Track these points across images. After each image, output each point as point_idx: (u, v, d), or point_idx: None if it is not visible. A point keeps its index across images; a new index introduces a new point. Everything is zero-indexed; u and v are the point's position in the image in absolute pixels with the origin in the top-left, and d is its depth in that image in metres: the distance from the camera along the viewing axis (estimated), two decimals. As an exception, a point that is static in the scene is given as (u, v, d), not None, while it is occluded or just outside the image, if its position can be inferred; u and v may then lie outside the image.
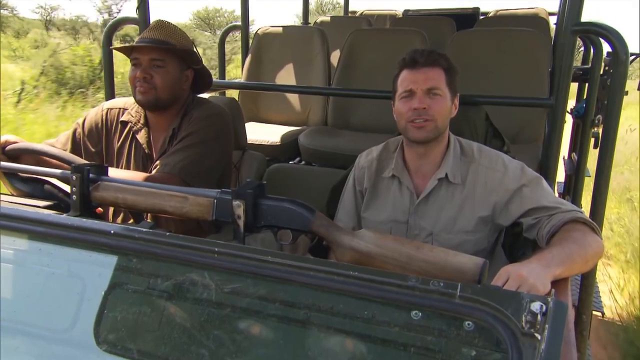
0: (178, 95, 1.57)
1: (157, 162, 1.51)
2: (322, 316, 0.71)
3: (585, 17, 1.53)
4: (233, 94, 3.20)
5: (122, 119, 1.63)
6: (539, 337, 0.57)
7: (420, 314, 0.67)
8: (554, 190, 1.59)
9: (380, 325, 0.68)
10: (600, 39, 1.84)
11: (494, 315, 0.60)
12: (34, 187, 1.24)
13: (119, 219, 1.59)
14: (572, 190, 2.38)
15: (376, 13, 4.92)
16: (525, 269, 0.94)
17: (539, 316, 0.58)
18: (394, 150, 1.47)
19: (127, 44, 1.54)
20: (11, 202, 0.99)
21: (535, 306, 0.59)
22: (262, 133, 2.66)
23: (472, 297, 0.63)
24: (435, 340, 0.66)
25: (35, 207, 0.99)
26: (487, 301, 0.62)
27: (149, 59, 1.50)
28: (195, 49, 1.62)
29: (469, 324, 0.64)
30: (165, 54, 1.51)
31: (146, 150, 1.60)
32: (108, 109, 1.66)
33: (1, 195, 1.09)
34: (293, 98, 2.92)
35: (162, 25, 1.54)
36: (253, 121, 2.98)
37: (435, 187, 1.37)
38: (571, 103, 2.95)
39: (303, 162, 2.60)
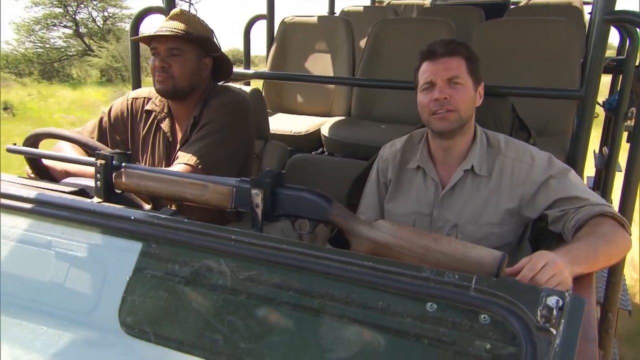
0: (197, 84, 1.58)
1: (178, 153, 1.53)
2: (336, 305, 0.71)
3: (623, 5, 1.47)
4: (258, 84, 3.20)
5: (146, 108, 1.66)
6: (554, 332, 0.56)
7: (435, 305, 0.67)
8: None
9: (394, 315, 0.68)
10: (638, 29, 1.78)
11: (509, 309, 0.59)
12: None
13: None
14: (602, 185, 2.31)
15: (403, 3, 4.85)
16: (561, 260, 0.93)
17: (554, 311, 0.57)
18: (418, 141, 1.45)
19: (146, 34, 1.57)
20: (37, 187, 1.02)
21: (552, 300, 0.57)
22: (286, 123, 2.67)
23: (488, 290, 0.63)
24: (450, 332, 0.65)
25: (60, 192, 1.02)
26: (502, 294, 0.61)
27: (166, 48, 1.52)
28: (215, 37, 1.63)
29: (484, 317, 0.64)
30: (182, 43, 1.53)
31: (170, 139, 1.63)
32: (133, 98, 1.69)
33: (27, 180, 1.12)
34: (317, 88, 2.92)
35: (179, 14, 1.56)
36: (277, 111, 2.98)
37: (461, 179, 1.35)
38: (605, 96, 2.86)
39: (326, 153, 2.60)
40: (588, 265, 1.00)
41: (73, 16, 14.57)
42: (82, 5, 14.84)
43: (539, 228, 1.40)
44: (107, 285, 0.82)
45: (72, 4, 14.68)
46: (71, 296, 0.83)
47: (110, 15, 15.83)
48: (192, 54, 1.55)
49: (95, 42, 14.64)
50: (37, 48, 14.27)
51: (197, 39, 1.54)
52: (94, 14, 14.94)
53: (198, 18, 1.59)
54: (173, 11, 1.58)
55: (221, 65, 1.66)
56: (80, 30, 14.85)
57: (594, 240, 1.07)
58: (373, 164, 1.56)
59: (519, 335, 0.58)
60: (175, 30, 1.51)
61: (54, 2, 14.50)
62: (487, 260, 0.82)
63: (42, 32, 14.56)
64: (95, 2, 15.23)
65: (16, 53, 13.94)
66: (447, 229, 1.37)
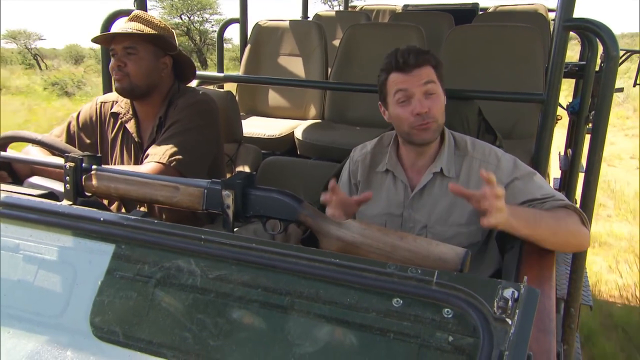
0: (155, 82, 1.59)
1: (148, 151, 1.53)
2: (304, 302, 0.72)
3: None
4: (232, 87, 3.20)
5: (112, 110, 1.67)
6: (510, 322, 0.59)
7: (401, 301, 0.69)
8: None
9: (360, 311, 0.70)
10: (593, 36, 1.85)
11: (468, 301, 0.62)
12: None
13: (113, 208, 1.61)
14: (566, 185, 2.39)
15: (376, 8, 4.92)
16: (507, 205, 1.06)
17: (510, 301, 0.59)
18: (387, 144, 1.48)
19: (101, 34, 1.59)
20: (5, 191, 1.01)
21: (508, 292, 0.60)
22: (260, 126, 2.68)
23: (448, 284, 0.65)
24: (415, 326, 0.67)
25: (29, 195, 1.01)
26: (462, 287, 0.64)
27: (122, 47, 1.54)
28: (174, 37, 1.64)
29: (447, 311, 0.66)
30: (137, 41, 1.54)
31: (136, 139, 1.63)
32: (102, 102, 1.70)
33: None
34: (291, 92, 2.94)
35: (137, 15, 1.57)
36: (251, 114, 2.99)
37: (430, 181, 1.38)
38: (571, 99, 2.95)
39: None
40: (527, 224, 1.09)
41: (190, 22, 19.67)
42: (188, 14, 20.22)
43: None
44: (77, 287, 0.82)
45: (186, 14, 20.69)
46: (39, 299, 0.83)
47: (205, 19, 21.35)
48: (148, 52, 1.56)
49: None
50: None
51: (150, 36, 1.55)
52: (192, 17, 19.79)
53: (156, 19, 1.60)
54: (133, 13, 1.59)
55: (183, 65, 1.67)
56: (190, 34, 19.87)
57: (544, 213, 1.16)
58: (344, 166, 1.58)
59: (477, 326, 0.61)
60: (130, 30, 1.52)
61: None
62: (451, 256, 0.85)
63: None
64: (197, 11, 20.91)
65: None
66: (417, 230, 1.40)
